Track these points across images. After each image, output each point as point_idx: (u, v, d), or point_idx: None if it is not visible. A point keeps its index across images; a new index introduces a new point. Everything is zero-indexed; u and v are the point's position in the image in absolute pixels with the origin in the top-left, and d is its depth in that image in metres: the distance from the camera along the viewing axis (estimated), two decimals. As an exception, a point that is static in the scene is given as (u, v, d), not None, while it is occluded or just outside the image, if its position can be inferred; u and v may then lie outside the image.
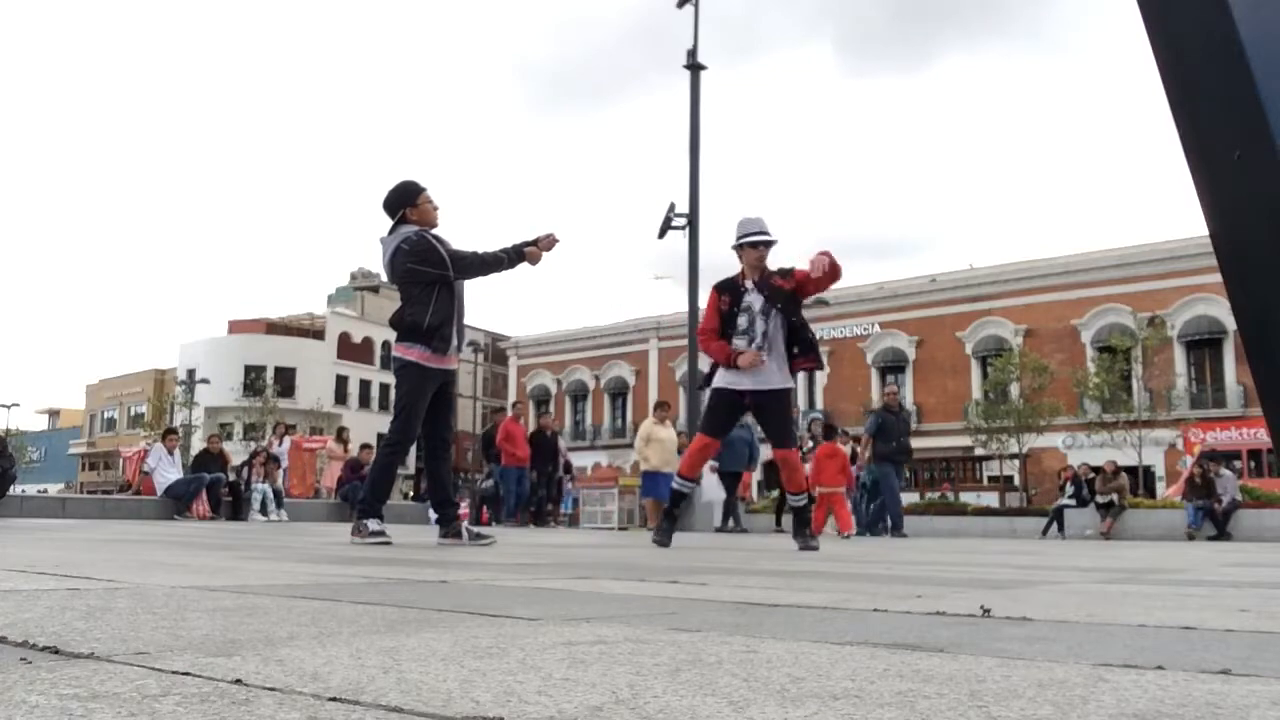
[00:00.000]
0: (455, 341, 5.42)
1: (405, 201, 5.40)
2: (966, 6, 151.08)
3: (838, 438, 12.87)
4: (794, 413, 7.59)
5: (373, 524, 5.21)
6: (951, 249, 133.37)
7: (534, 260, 5.40)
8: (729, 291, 6.25)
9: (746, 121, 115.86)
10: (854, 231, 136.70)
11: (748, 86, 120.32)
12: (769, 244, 6.21)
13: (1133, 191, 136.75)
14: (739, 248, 6.25)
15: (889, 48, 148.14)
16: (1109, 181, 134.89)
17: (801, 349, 6.16)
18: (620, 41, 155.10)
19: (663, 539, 6.20)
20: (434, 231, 5.43)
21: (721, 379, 6.16)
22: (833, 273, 5.84)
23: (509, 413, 15.48)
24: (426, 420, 5.50)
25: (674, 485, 6.55)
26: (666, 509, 6.51)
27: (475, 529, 5.69)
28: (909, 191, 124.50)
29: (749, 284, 6.21)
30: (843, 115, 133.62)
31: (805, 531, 6.30)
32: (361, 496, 5.58)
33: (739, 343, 6.08)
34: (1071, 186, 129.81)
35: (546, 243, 5.43)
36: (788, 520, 14.73)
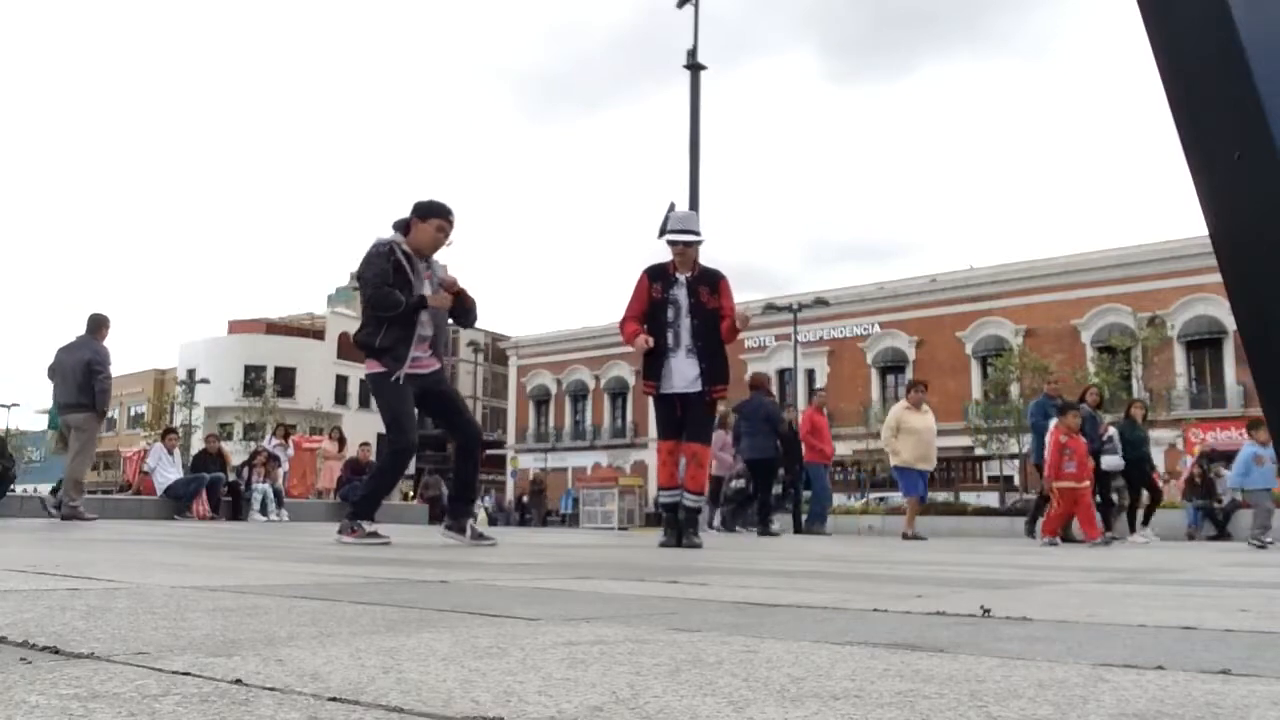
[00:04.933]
0: (428, 354, 5.37)
1: (417, 213, 5.35)
2: (956, 11, 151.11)
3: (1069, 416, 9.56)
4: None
5: (367, 525, 5.19)
6: (951, 250, 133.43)
7: (439, 301, 5.33)
8: (660, 279, 6.32)
9: (739, 125, 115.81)
10: (853, 233, 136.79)
11: (738, 91, 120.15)
12: (688, 244, 6.30)
13: (1133, 191, 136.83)
14: (668, 242, 6.36)
15: (877, 54, 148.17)
16: (1109, 181, 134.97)
17: (715, 378, 6.26)
18: (613, 46, 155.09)
19: (670, 541, 6.29)
20: (409, 247, 5.30)
21: (662, 386, 6.26)
22: (735, 331, 6.27)
23: (812, 401, 13.48)
24: (443, 424, 5.52)
25: (662, 499, 6.58)
26: (667, 518, 6.52)
27: (480, 528, 5.67)
28: (908, 194, 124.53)
29: (680, 277, 6.29)
30: (834, 119, 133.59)
31: (690, 530, 6.35)
32: (358, 498, 5.58)
33: (669, 336, 6.19)
34: (1071, 186, 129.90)
35: (443, 297, 5.37)
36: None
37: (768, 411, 11.49)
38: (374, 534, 5.12)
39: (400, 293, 5.20)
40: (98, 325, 9.28)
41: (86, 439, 9.11)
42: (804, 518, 13.69)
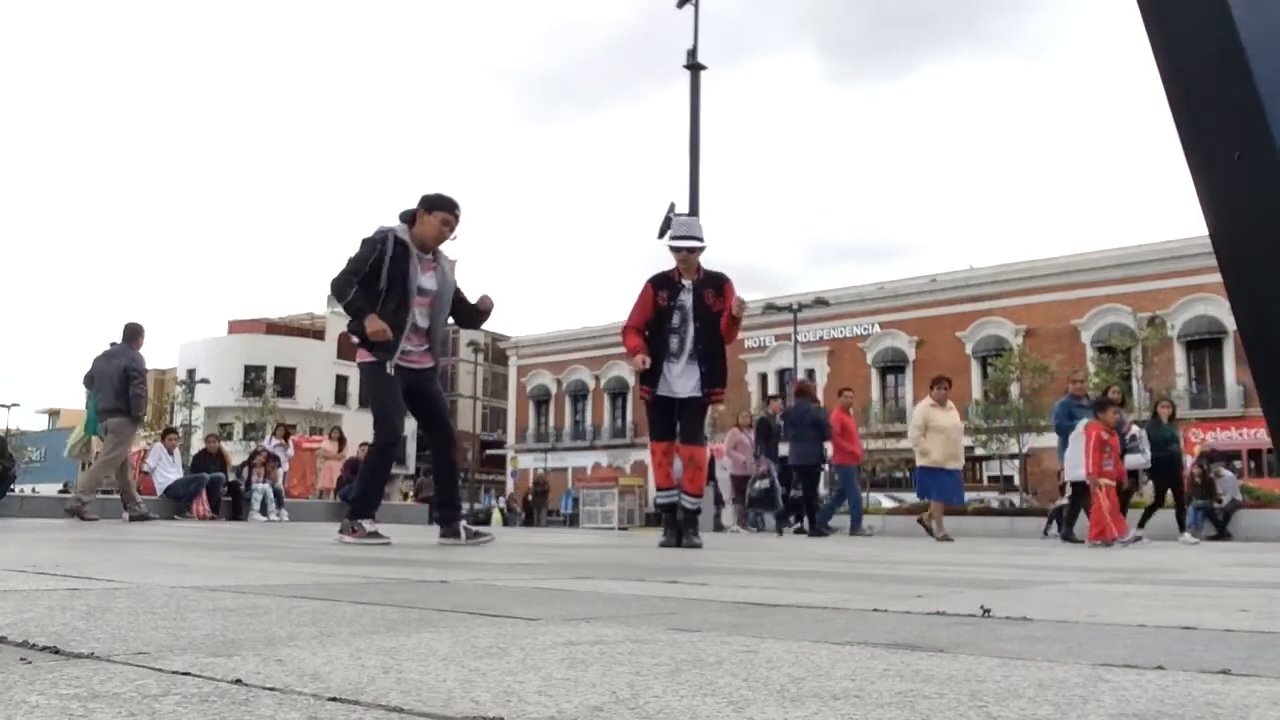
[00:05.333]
0: (422, 348, 5.33)
1: (423, 205, 5.30)
2: (955, 11, 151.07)
3: (1109, 413, 9.22)
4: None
5: (368, 524, 5.17)
6: (951, 250, 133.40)
7: (371, 330, 5.15)
8: (666, 287, 6.30)
9: (739, 125, 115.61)
10: (853, 233, 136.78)
11: (738, 91, 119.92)
12: (691, 250, 6.28)
13: (1133, 191, 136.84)
14: (670, 248, 6.34)
15: (876, 54, 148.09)
16: (1109, 181, 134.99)
17: (714, 380, 6.26)
18: (613, 46, 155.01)
19: (670, 541, 6.30)
20: (413, 239, 5.24)
21: (659, 389, 6.25)
22: (736, 322, 6.21)
23: (839, 400, 13.14)
24: (422, 424, 5.50)
25: (659, 500, 6.59)
26: (666, 519, 6.51)
27: (473, 527, 5.65)
28: (908, 194, 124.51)
29: (685, 283, 6.29)
30: (834, 119, 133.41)
31: (690, 531, 6.35)
32: (354, 497, 5.57)
33: (672, 342, 6.19)
34: (1071, 186, 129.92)
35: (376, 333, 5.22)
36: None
37: (814, 418, 11.80)
38: (374, 534, 5.10)
39: (360, 288, 5.15)
40: (133, 334, 9.67)
41: (117, 441, 9.43)
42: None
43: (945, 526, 10.71)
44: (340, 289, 5.22)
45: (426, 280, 5.33)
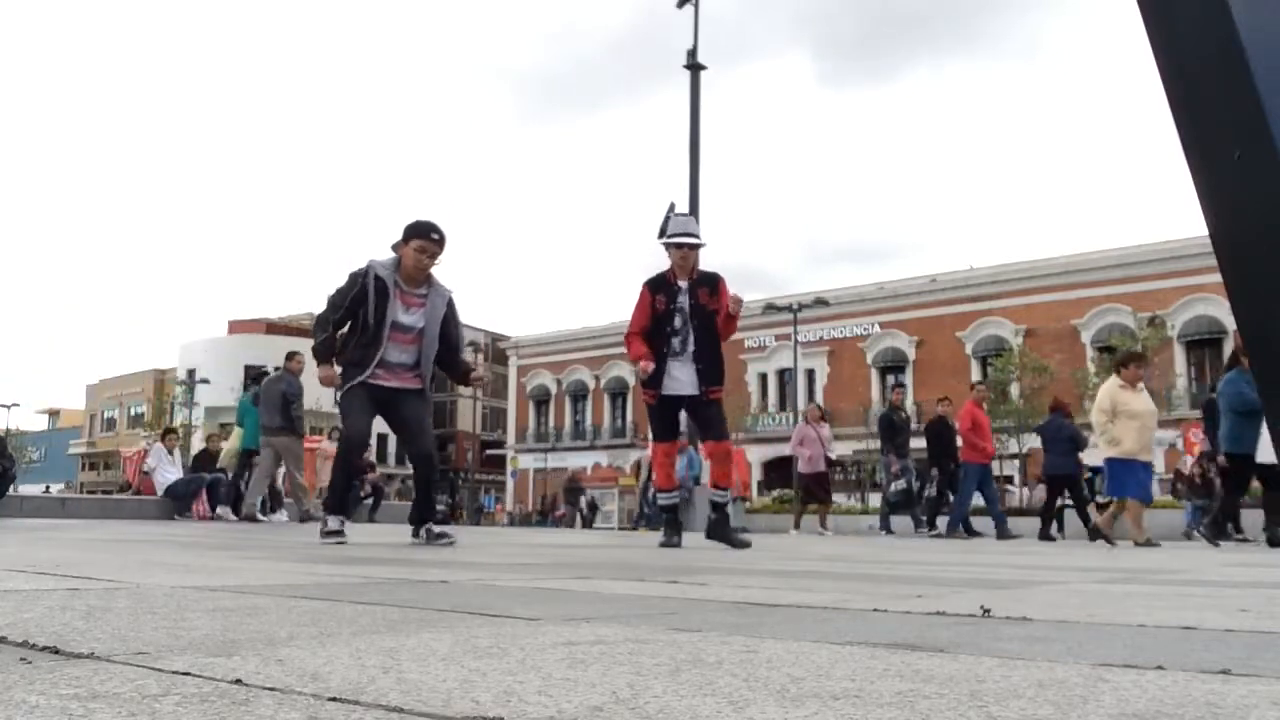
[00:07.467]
0: (396, 375, 5.31)
1: (402, 236, 5.26)
2: (952, 12, 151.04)
3: None
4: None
5: (333, 521, 5.16)
6: (951, 250, 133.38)
7: (320, 378, 5.47)
8: (663, 290, 6.26)
9: (737, 126, 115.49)
10: (853, 234, 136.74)
11: (736, 92, 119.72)
12: (693, 247, 6.24)
13: (1133, 191, 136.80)
14: (666, 246, 6.29)
15: (873, 55, 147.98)
16: (1109, 181, 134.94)
17: (713, 379, 6.23)
18: (613, 47, 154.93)
19: (671, 540, 6.26)
20: (389, 273, 5.21)
21: (665, 389, 6.21)
22: (733, 319, 6.18)
23: (971, 395, 13.05)
24: (400, 441, 5.53)
25: (661, 501, 6.56)
26: (668, 519, 6.48)
27: (437, 529, 5.48)
28: (908, 194, 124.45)
29: (681, 284, 6.24)
30: (834, 119, 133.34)
31: (726, 528, 6.31)
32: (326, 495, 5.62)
33: (674, 343, 6.16)
34: (1071, 186, 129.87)
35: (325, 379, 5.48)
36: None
37: (1070, 432, 12.33)
38: (334, 532, 5.11)
39: (335, 328, 5.29)
40: (288, 358, 11.09)
41: (294, 457, 11.12)
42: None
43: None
44: (317, 327, 5.38)
45: (409, 317, 5.28)
